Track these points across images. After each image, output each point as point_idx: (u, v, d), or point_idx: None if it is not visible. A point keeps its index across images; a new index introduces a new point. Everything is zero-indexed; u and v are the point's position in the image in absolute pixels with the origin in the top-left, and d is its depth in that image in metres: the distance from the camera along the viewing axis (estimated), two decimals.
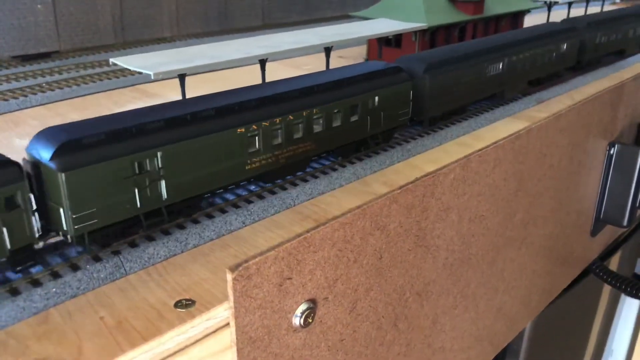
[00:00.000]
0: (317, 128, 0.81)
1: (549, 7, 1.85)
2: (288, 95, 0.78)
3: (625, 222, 1.28)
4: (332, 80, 0.85)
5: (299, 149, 0.79)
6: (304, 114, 0.78)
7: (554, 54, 1.33)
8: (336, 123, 0.84)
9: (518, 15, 1.72)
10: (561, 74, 1.43)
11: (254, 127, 0.73)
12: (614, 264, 2.13)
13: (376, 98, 0.88)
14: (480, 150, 0.78)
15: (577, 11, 2.05)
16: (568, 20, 1.56)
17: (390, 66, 0.93)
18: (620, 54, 1.69)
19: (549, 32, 1.32)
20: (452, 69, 1.03)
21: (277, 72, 1.33)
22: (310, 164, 0.88)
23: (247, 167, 0.73)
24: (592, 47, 1.49)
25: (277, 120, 0.75)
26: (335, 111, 0.83)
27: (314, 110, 0.80)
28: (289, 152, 0.78)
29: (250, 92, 0.78)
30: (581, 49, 1.46)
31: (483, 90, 1.15)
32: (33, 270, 0.57)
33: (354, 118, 0.87)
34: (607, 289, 2.30)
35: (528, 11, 1.74)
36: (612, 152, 1.23)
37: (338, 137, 0.85)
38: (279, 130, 0.76)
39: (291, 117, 0.77)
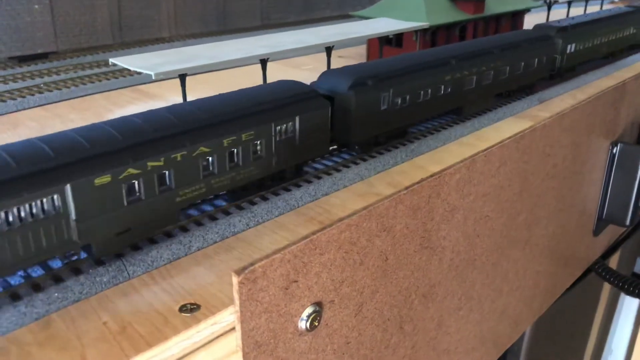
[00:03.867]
0: None
1: (549, 6, 1.84)
2: None
3: (628, 222, 1.27)
4: None
5: None
6: None
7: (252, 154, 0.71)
8: None
9: (518, 15, 1.72)
10: (267, 184, 0.77)
11: None
12: (613, 263, 2.13)
13: None
14: (485, 150, 0.77)
15: (577, 10, 2.05)
16: (329, 72, 0.89)
17: None
18: (456, 113, 1.09)
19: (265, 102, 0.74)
20: None
21: (277, 72, 1.32)
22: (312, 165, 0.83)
23: None
24: (367, 120, 0.86)
25: None
26: None
27: None
28: None
29: None
30: (338, 125, 0.84)
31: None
32: (34, 274, 0.56)
33: None
34: (606, 289, 2.30)
35: (528, 10, 1.74)
36: (614, 151, 1.23)
37: None
38: None
39: None
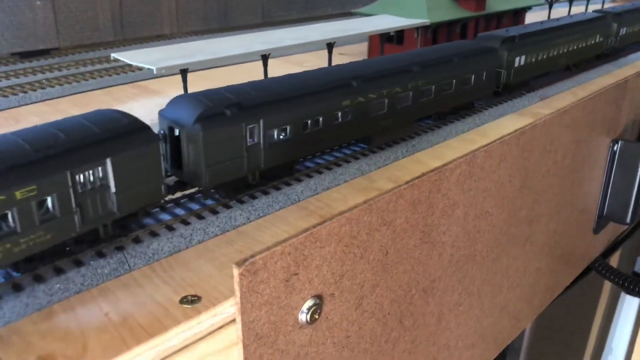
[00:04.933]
0: None
1: (550, 4, 1.84)
2: None
3: (628, 220, 1.27)
4: None
5: None
6: None
7: None
8: None
9: (519, 12, 1.72)
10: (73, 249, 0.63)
11: None
12: (613, 261, 2.13)
13: None
14: (486, 145, 0.77)
15: (579, 9, 2.05)
16: None
17: None
18: (365, 142, 0.94)
19: None
20: None
21: (278, 69, 1.32)
22: (314, 159, 0.82)
23: None
24: (226, 159, 0.70)
25: None
26: None
27: None
28: None
29: None
30: (187, 167, 0.69)
31: None
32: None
33: None
34: (607, 287, 2.30)
35: (529, 8, 1.74)
36: (615, 148, 1.23)
37: None
38: None
39: None
